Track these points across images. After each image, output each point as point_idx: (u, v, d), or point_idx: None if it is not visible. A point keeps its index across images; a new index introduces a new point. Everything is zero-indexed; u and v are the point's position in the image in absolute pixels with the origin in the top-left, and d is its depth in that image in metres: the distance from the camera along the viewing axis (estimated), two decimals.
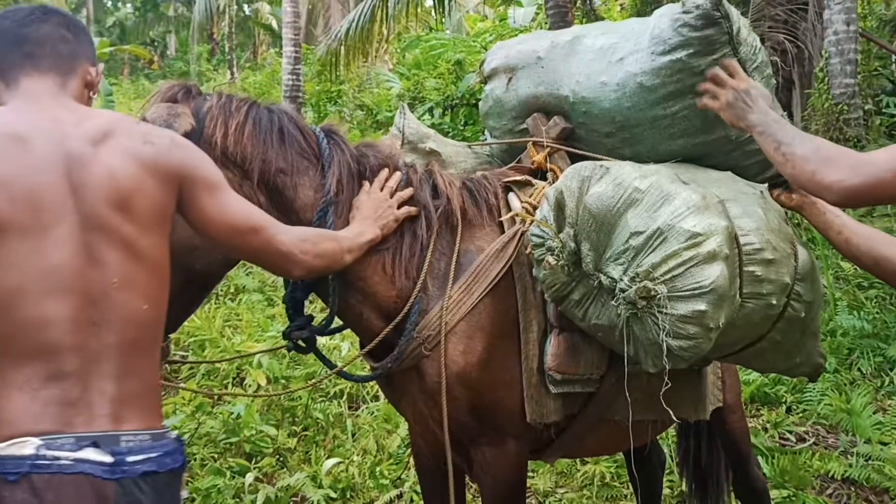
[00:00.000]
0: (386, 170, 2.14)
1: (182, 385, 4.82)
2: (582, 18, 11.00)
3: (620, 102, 2.13)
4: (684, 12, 2.01)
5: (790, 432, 4.46)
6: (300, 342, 2.17)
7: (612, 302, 1.85)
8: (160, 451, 1.46)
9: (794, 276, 2.01)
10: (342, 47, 10.90)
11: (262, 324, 5.97)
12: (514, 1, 15.67)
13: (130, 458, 1.40)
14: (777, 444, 4.30)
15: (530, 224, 2.04)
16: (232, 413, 4.48)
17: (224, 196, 1.63)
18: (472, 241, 2.16)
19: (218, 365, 5.14)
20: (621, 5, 14.16)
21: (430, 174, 2.23)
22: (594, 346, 2.11)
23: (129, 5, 30.61)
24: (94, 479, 1.36)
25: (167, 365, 4.35)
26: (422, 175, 2.21)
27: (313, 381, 3.83)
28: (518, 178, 2.29)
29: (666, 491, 3.62)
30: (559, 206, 1.91)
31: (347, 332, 2.29)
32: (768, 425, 4.51)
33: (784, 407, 4.72)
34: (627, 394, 1.98)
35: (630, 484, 3.64)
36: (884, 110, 8.70)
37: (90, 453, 1.37)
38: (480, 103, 2.63)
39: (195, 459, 4.13)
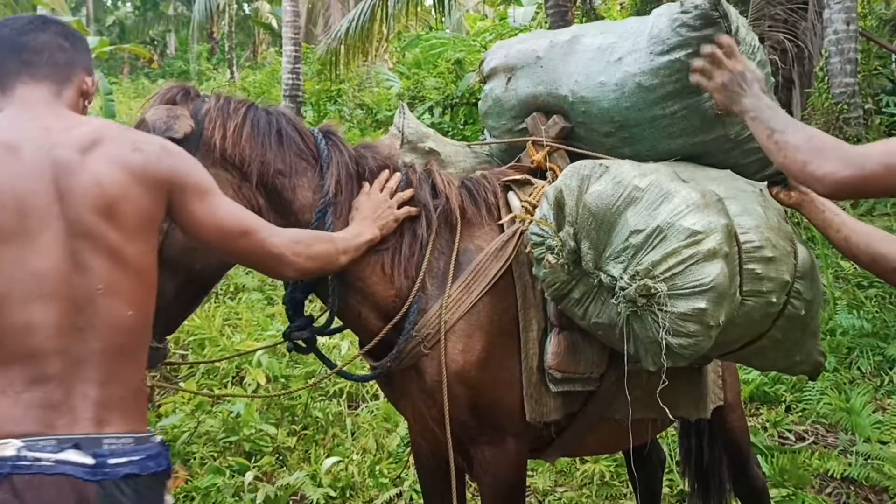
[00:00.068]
0: (386, 171, 2.14)
1: (181, 385, 4.82)
2: (582, 18, 11.00)
3: (619, 102, 2.13)
4: (683, 12, 2.01)
5: (790, 431, 4.46)
6: (300, 343, 2.18)
7: (612, 300, 1.85)
8: (143, 454, 1.47)
9: (794, 273, 2.02)
10: (342, 46, 10.90)
11: (262, 322, 5.98)
12: (513, 0, 15.67)
13: (112, 461, 1.42)
14: (776, 443, 4.31)
15: (530, 223, 2.04)
16: (231, 412, 4.48)
17: (215, 201, 1.63)
18: (472, 240, 2.16)
19: (217, 364, 5.15)
20: (621, 4, 14.17)
21: (429, 174, 2.23)
22: (594, 345, 2.11)
23: (128, 4, 30.60)
24: (74, 480, 1.37)
25: (166, 366, 4.36)
26: (421, 175, 2.21)
27: (313, 380, 3.83)
28: (517, 177, 2.29)
29: (665, 490, 3.62)
30: (559, 205, 1.91)
31: (347, 331, 2.29)
32: (768, 424, 4.51)
33: (783, 406, 4.72)
34: (627, 392, 1.98)
35: (630, 483, 3.64)
36: (884, 109, 8.69)
37: (71, 455, 1.39)
38: (480, 103, 2.63)
39: (195, 458, 4.13)
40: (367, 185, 2.11)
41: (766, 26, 8.41)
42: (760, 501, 2.98)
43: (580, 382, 2.15)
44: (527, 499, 2.62)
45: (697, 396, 2.45)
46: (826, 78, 8.11)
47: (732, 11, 2.05)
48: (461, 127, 10.82)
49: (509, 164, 2.40)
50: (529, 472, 3.92)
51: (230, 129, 1.95)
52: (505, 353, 2.11)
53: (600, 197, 1.85)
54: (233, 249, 1.70)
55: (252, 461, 4.14)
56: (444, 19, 13.85)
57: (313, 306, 2.28)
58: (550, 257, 1.91)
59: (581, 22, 10.04)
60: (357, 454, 4.22)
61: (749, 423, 3.52)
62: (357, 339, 2.35)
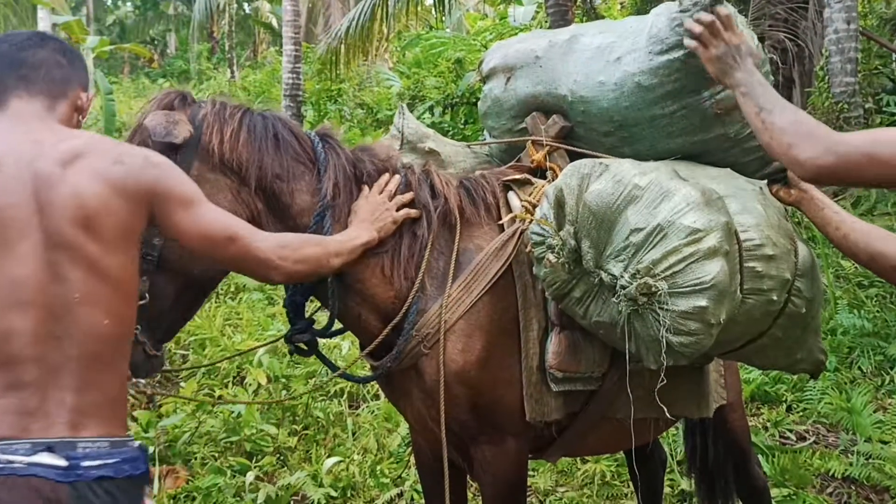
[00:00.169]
0: (386, 174, 2.14)
1: (182, 385, 4.82)
2: (582, 17, 11.00)
3: (618, 102, 2.13)
4: (682, 11, 2.01)
5: (790, 431, 4.45)
6: (302, 345, 2.18)
7: (613, 299, 1.84)
8: (118, 457, 1.50)
9: (795, 272, 2.02)
10: (342, 46, 10.91)
11: (263, 322, 5.98)
12: None
13: (85, 463, 1.45)
14: (777, 443, 4.30)
15: (530, 222, 2.04)
16: (232, 412, 4.48)
17: (199, 209, 1.65)
18: (471, 240, 2.16)
19: (218, 365, 5.15)
20: (621, 4, 14.17)
21: (428, 174, 2.23)
22: (595, 344, 2.10)
23: (129, 4, 30.60)
24: (46, 481, 1.41)
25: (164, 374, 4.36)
26: (419, 175, 2.21)
27: (313, 380, 3.83)
28: (517, 176, 2.29)
29: (667, 490, 3.62)
30: (559, 204, 1.91)
31: (348, 331, 2.29)
32: (769, 424, 4.50)
33: (784, 405, 4.71)
34: (629, 391, 1.98)
35: (631, 483, 3.64)
36: (884, 109, 8.68)
37: (44, 457, 1.42)
38: (479, 103, 2.62)
39: (196, 458, 4.13)
40: (366, 188, 2.11)
41: (766, 25, 8.42)
42: (761, 501, 2.98)
43: (581, 382, 2.15)
44: (528, 499, 2.62)
45: (699, 395, 2.45)
46: (826, 77, 8.12)
47: (736, 21, 2.04)
48: (461, 126, 10.82)
49: (509, 164, 2.40)
50: (530, 472, 3.92)
51: (227, 134, 1.95)
52: (505, 353, 2.11)
53: (600, 196, 1.85)
54: (219, 256, 1.73)
55: (253, 461, 4.14)
56: (444, 19, 13.84)
57: (314, 305, 2.28)
58: (551, 256, 1.91)
59: (581, 21, 10.04)
60: (358, 454, 4.22)
61: (750, 423, 3.52)
62: (357, 339, 2.35)
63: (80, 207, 1.50)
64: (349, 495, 3.89)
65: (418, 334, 2.06)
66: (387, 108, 13.39)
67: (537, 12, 13.80)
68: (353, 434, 4.48)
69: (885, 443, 4.15)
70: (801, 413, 4.64)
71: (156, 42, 29.59)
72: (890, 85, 9.29)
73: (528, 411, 2.10)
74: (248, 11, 25.98)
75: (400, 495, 3.86)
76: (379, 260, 2.08)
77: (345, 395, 4.89)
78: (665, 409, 1.92)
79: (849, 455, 4.11)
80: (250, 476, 3.89)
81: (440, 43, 14.05)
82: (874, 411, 4.44)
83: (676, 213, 1.78)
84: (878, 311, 5.53)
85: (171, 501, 3.75)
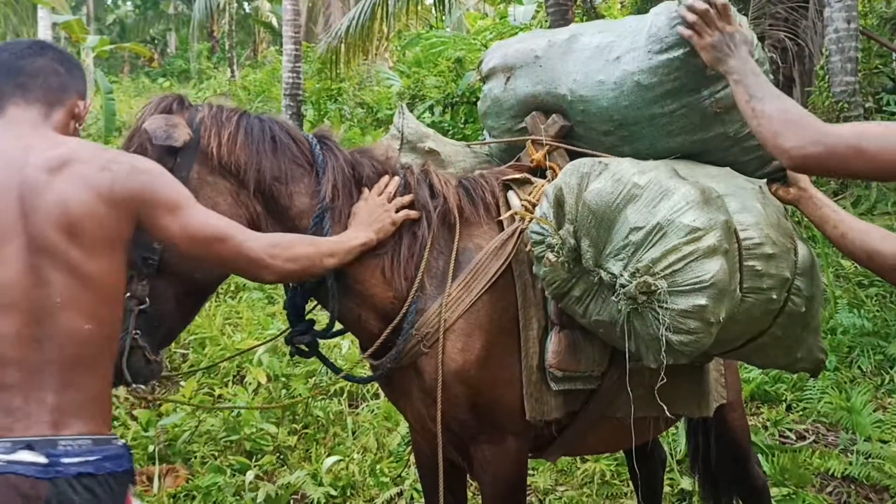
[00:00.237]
0: (386, 176, 2.14)
1: (182, 383, 4.83)
2: (582, 16, 10.99)
3: (618, 101, 2.13)
4: (680, 3, 2.01)
5: (790, 430, 4.45)
6: (303, 347, 2.18)
7: (613, 298, 1.84)
8: (99, 455, 1.53)
9: (794, 270, 2.02)
10: (342, 45, 10.90)
11: (263, 321, 5.98)
12: None
13: (66, 460, 1.49)
14: (777, 442, 4.30)
15: (529, 221, 2.04)
16: (232, 411, 4.48)
17: (187, 212, 1.67)
18: (471, 240, 2.16)
19: (218, 364, 5.15)
20: (621, 3, 14.17)
21: (426, 174, 2.23)
22: (595, 343, 2.11)
23: (129, 3, 30.58)
24: (25, 478, 1.44)
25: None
26: (418, 175, 2.21)
27: (313, 379, 3.82)
28: (517, 175, 2.29)
29: (666, 489, 3.62)
30: (558, 203, 1.91)
31: (348, 332, 2.30)
32: (768, 423, 4.50)
33: (784, 405, 4.71)
34: (629, 390, 1.98)
35: (630, 482, 3.64)
36: (884, 108, 8.68)
37: (24, 455, 1.46)
38: (479, 103, 2.62)
39: (196, 457, 4.14)
40: (365, 190, 2.11)
41: (766, 25, 8.41)
42: (761, 500, 2.98)
43: (581, 381, 2.15)
44: (527, 498, 2.62)
45: (699, 394, 2.45)
46: (827, 76, 8.12)
47: (731, 10, 2.05)
48: (462, 126, 10.83)
49: (509, 164, 2.40)
50: (530, 471, 3.92)
51: (224, 137, 1.96)
52: (505, 352, 2.11)
53: (600, 195, 1.85)
54: (210, 257, 1.73)
55: (253, 460, 4.15)
56: (444, 18, 13.84)
57: (313, 306, 2.28)
58: (550, 255, 1.91)
59: (581, 20, 10.04)
60: (358, 453, 4.22)
61: (750, 422, 3.52)
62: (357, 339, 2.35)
63: (65, 214, 1.53)
64: (349, 494, 3.89)
65: (418, 333, 2.06)
66: (387, 108, 13.40)
67: (537, 11, 13.81)
68: (353, 433, 4.49)
69: (884, 442, 4.15)
70: (800, 412, 4.64)
71: (156, 41, 29.58)
72: (890, 84, 9.29)
73: (527, 410, 2.11)
74: (248, 11, 25.98)
75: (400, 494, 3.86)
76: (379, 261, 2.09)
77: (345, 395, 4.90)
78: (665, 408, 1.92)
79: (848, 454, 4.11)
80: (250, 475, 3.89)
81: (440, 42, 14.05)
82: (874, 410, 4.44)
83: (676, 211, 1.78)
84: (878, 311, 5.53)
85: (171, 500, 3.76)
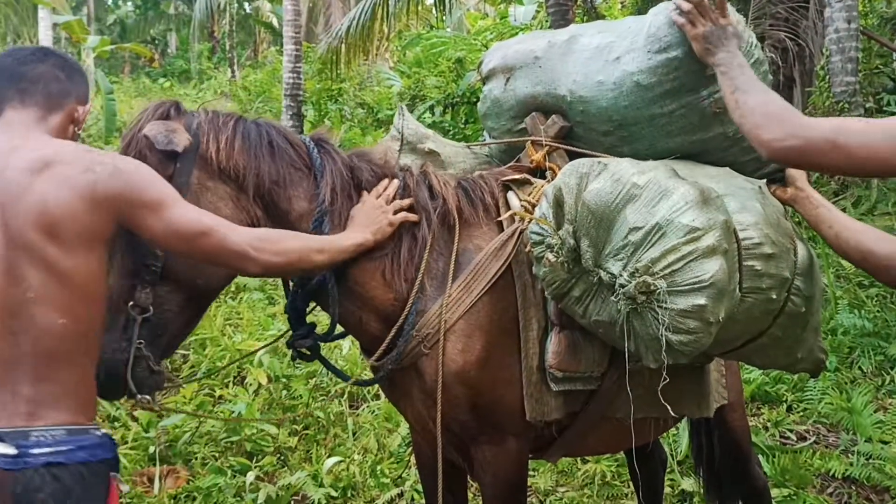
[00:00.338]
0: (385, 179, 2.14)
1: (182, 384, 4.82)
2: (582, 17, 10.99)
3: (617, 101, 2.13)
4: None
5: (791, 431, 4.45)
6: (304, 350, 2.18)
7: (612, 298, 1.84)
8: (73, 444, 1.57)
9: (794, 270, 2.02)
10: (343, 45, 10.90)
11: (263, 322, 5.99)
12: None
13: (36, 451, 1.53)
14: (778, 443, 4.30)
15: (529, 222, 2.04)
16: (233, 412, 4.49)
17: (170, 210, 1.68)
18: (471, 241, 2.16)
19: (219, 365, 5.15)
20: (622, 3, 14.16)
21: (426, 175, 2.23)
22: (595, 344, 2.11)
23: (129, 3, 30.59)
24: None
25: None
26: (417, 177, 2.21)
27: (314, 380, 3.82)
28: (517, 176, 2.29)
29: (667, 490, 3.62)
30: (558, 203, 1.91)
31: (349, 334, 2.30)
32: (769, 424, 4.50)
33: (785, 406, 4.71)
34: (629, 391, 1.98)
35: (631, 483, 3.64)
36: (885, 108, 8.68)
37: None
38: (479, 104, 2.62)
39: (196, 458, 4.14)
40: (364, 194, 2.11)
41: (766, 25, 8.40)
42: (762, 501, 2.98)
43: (581, 381, 2.15)
44: (528, 499, 2.62)
45: (699, 395, 2.45)
46: (827, 76, 8.12)
47: (730, 9, 2.05)
48: (462, 126, 10.83)
49: (508, 164, 2.40)
50: (531, 472, 3.92)
51: (223, 141, 1.96)
52: (505, 353, 2.11)
53: (599, 195, 1.85)
54: (194, 251, 1.74)
55: (253, 461, 4.15)
56: (444, 18, 13.84)
57: (315, 308, 2.29)
58: (550, 255, 1.91)
59: (582, 21, 10.03)
60: (358, 454, 4.22)
61: (750, 423, 3.52)
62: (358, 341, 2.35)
63: (44, 213, 1.56)
64: (349, 495, 3.89)
65: (418, 334, 2.06)
66: (387, 108, 13.40)
67: (538, 12, 13.80)
68: (354, 434, 4.49)
69: (885, 443, 4.15)
70: (801, 413, 4.64)
71: (156, 41, 29.60)
72: (891, 84, 9.28)
73: (528, 411, 2.11)
74: (248, 11, 26.00)
75: (400, 495, 3.87)
76: (379, 263, 2.09)
77: (345, 395, 4.90)
78: (666, 408, 1.92)
79: (849, 455, 4.11)
80: (251, 476, 3.90)
81: (441, 42, 14.05)
82: (874, 411, 4.44)
83: (675, 211, 1.78)
84: (878, 311, 5.53)
85: (172, 501, 3.76)
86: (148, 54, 21.46)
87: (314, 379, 5.01)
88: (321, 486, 3.87)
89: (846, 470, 3.92)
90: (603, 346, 2.11)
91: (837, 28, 7.98)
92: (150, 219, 1.67)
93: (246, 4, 25.70)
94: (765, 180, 2.19)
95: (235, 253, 1.74)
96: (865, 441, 4.18)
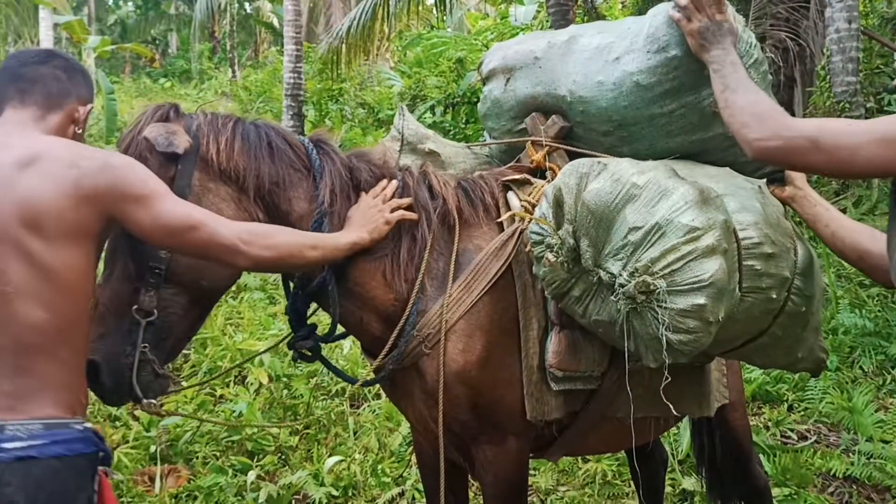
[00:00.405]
0: (384, 180, 2.14)
1: (183, 383, 4.83)
2: (583, 17, 10.99)
3: (617, 101, 2.13)
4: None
5: (792, 430, 4.45)
6: (305, 351, 2.18)
7: (612, 297, 1.85)
8: (48, 439, 1.56)
9: (794, 270, 2.02)
10: (343, 45, 10.90)
11: (264, 322, 5.99)
12: None
13: (8, 445, 1.52)
14: (779, 443, 4.30)
15: (529, 222, 2.05)
16: (234, 411, 4.49)
17: (158, 204, 1.69)
18: (471, 241, 2.17)
19: (219, 364, 5.16)
20: (622, 3, 14.16)
21: (426, 175, 2.23)
22: (595, 343, 2.11)
23: (130, 3, 30.61)
24: None
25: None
26: (417, 177, 2.21)
27: (314, 379, 3.81)
28: (517, 176, 2.29)
29: (668, 489, 3.62)
30: (557, 203, 1.92)
31: (350, 335, 2.30)
32: (770, 423, 4.50)
33: (786, 405, 4.71)
34: (629, 390, 1.98)
35: (632, 482, 3.64)
36: (886, 108, 8.67)
37: None
38: (479, 104, 2.63)
39: (197, 457, 4.14)
40: (363, 194, 2.11)
41: (767, 25, 8.40)
42: (763, 501, 2.97)
43: (581, 381, 2.15)
44: (529, 498, 2.62)
45: (700, 394, 2.45)
46: (828, 76, 8.11)
47: (729, 8, 2.06)
48: (463, 126, 10.84)
49: (508, 165, 2.41)
50: (531, 472, 3.92)
51: (222, 143, 1.96)
52: (505, 352, 2.11)
53: (599, 194, 1.85)
54: (182, 245, 1.75)
55: (254, 460, 4.15)
56: (445, 18, 13.83)
57: (313, 308, 2.29)
58: (550, 255, 1.91)
59: (582, 21, 10.03)
60: (359, 453, 4.23)
61: (751, 423, 3.52)
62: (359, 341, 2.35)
63: (28, 208, 1.57)
64: (350, 494, 3.89)
65: (419, 335, 2.06)
66: (388, 108, 13.42)
67: (538, 12, 13.80)
68: (355, 433, 4.49)
69: (886, 442, 4.15)
70: (802, 412, 4.64)
71: (157, 42, 29.61)
72: (891, 84, 9.27)
73: (528, 410, 2.11)
74: (249, 11, 26.02)
75: (401, 494, 3.87)
76: (379, 263, 2.09)
77: (346, 395, 4.90)
78: (667, 408, 1.92)
79: (850, 454, 4.11)
80: (252, 475, 3.90)
81: (441, 42, 14.06)
82: (875, 411, 4.44)
83: (674, 211, 1.79)
84: (879, 311, 5.53)
85: (173, 500, 3.76)
86: (149, 54, 21.49)
87: (315, 378, 5.01)
88: (322, 485, 3.87)
89: (847, 469, 3.92)
90: (603, 345, 2.11)
91: (838, 28, 7.98)
92: (139, 213, 1.66)
93: (247, 4, 25.72)
94: (765, 180, 2.19)
95: (225, 247, 1.74)
96: (866, 440, 4.18)
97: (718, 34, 1.91)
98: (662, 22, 2.04)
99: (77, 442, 1.60)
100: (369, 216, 2.05)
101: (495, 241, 2.14)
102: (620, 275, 1.81)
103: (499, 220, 2.21)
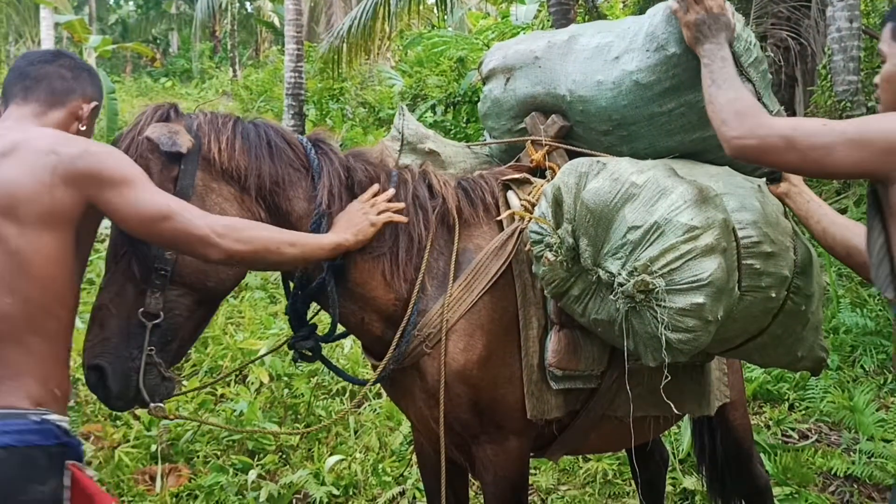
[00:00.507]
0: (376, 185, 2.13)
1: (184, 382, 4.83)
2: (584, 16, 10.99)
3: (617, 101, 2.13)
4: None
5: (793, 429, 4.45)
6: (306, 352, 2.18)
7: (611, 296, 1.85)
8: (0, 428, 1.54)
9: (794, 269, 2.02)
10: (344, 45, 10.90)
11: (265, 321, 5.99)
12: None
13: None
14: (780, 442, 4.30)
15: (529, 221, 2.05)
16: (235, 410, 4.49)
17: (135, 191, 1.69)
18: (471, 240, 2.17)
19: (220, 363, 5.16)
20: (623, 3, 14.15)
21: (425, 175, 2.23)
22: (595, 342, 2.11)
23: (131, 3, 30.63)
24: None
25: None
26: (417, 177, 2.21)
27: (315, 378, 3.81)
28: (516, 176, 2.29)
29: (669, 488, 3.62)
30: (557, 203, 1.92)
31: (350, 334, 2.30)
32: (771, 422, 4.50)
33: (787, 404, 4.71)
34: (629, 389, 1.98)
35: (633, 481, 3.64)
36: None
37: None
38: (479, 104, 2.63)
39: (198, 456, 4.15)
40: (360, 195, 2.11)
41: (768, 24, 8.41)
42: (763, 500, 2.97)
43: (581, 380, 2.15)
44: (529, 497, 2.62)
45: (700, 394, 2.45)
46: (829, 76, 8.10)
47: (729, 7, 2.06)
48: (464, 125, 10.85)
49: (508, 164, 2.41)
50: (532, 471, 3.92)
51: (224, 142, 1.96)
52: (505, 352, 2.12)
53: (598, 194, 1.85)
54: (155, 235, 1.73)
55: (255, 459, 4.15)
56: (446, 17, 13.81)
57: (314, 308, 2.29)
58: (549, 254, 1.92)
59: (583, 20, 10.03)
60: (360, 452, 4.23)
61: (752, 422, 3.52)
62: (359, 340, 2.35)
63: (4, 195, 1.59)
64: (351, 493, 3.89)
65: (420, 334, 2.06)
66: (389, 107, 13.42)
67: (539, 11, 13.78)
68: (356, 432, 4.49)
69: (887, 441, 4.16)
70: (803, 411, 4.64)
71: (158, 41, 29.62)
72: None
73: (528, 409, 2.11)
74: (250, 10, 26.02)
75: (402, 493, 3.87)
76: (379, 264, 2.09)
77: (347, 394, 4.90)
78: (667, 407, 1.93)
79: (851, 453, 4.11)
80: (252, 474, 3.90)
81: (442, 42, 14.06)
82: (876, 410, 4.44)
83: (673, 210, 1.79)
84: (880, 310, 5.52)
85: (174, 500, 3.76)
86: (150, 54, 21.50)
87: (316, 377, 5.01)
88: (323, 484, 3.87)
89: (848, 468, 3.92)
90: (603, 344, 2.11)
91: (839, 27, 7.97)
92: (116, 198, 1.66)
93: (247, 4, 25.73)
94: (764, 179, 2.19)
95: (197, 237, 1.72)
96: (867, 439, 4.18)
97: (714, 27, 1.91)
98: (661, 20, 2.05)
99: (31, 433, 1.57)
100: (355, 219, 2.04)
101: (495, 240, 2.14)
102: (619, 274, 1.81)
103: (499, 219, 2.21)
